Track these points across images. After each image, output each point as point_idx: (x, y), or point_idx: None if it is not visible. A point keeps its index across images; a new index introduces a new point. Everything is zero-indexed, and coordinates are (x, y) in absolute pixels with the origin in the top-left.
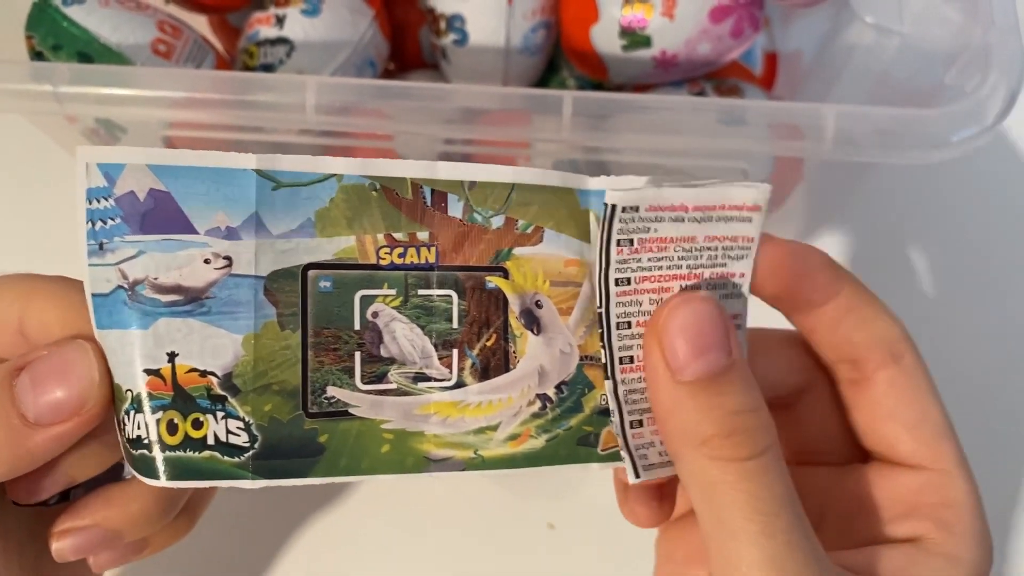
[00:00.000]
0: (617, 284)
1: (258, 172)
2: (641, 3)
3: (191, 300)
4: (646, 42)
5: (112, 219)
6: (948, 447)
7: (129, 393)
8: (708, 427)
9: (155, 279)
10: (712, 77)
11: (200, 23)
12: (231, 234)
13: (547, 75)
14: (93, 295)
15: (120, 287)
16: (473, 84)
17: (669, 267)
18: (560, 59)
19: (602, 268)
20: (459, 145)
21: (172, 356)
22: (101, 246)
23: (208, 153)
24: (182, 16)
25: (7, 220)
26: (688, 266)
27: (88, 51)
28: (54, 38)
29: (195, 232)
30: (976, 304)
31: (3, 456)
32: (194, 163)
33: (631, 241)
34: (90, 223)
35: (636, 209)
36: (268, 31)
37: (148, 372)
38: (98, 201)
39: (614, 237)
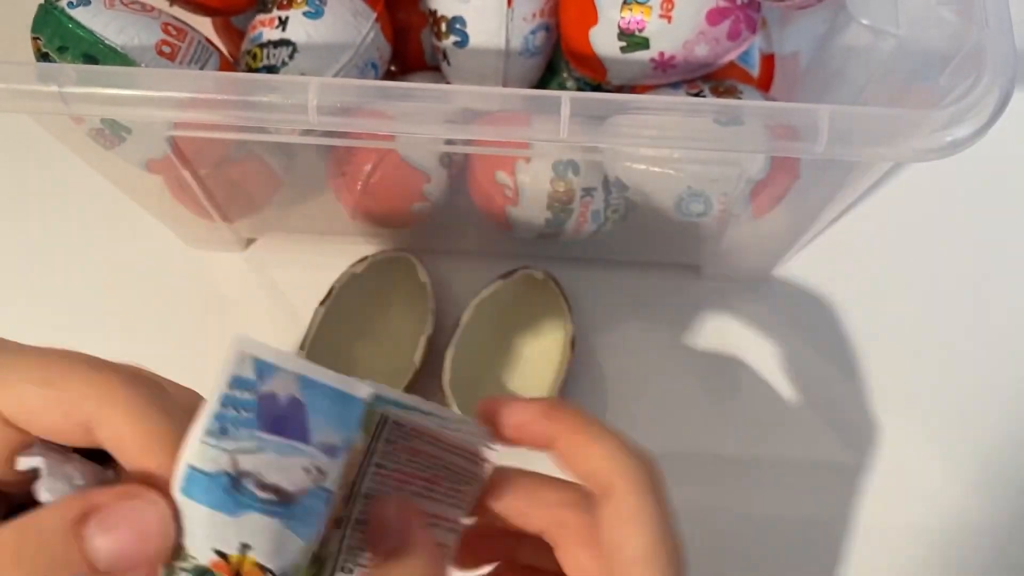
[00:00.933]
0: (376, 467)
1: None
2: (639, 5)
3: (283, 503)
4: (644, 44)
5: (247, 411)
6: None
7: (192, 559)
8: None
9: (262, 476)
10: (710, 78)
11: (204, 25)
12: (330, 451)
13: (547, 77)
14: (192, 467)
15: (226, 473)
16: (473, 86)
17: (416, 468)
18: (560, 61)
19: (367, 455)
20: (460, 145)
21: (245, 547)
22: (224, 430)
23: (339, 377)
24: (186, 18)
25: (10, 220)
26: (431, 473)
27: (93, 52)
28: (60, 40)
29: (308, 443)
30: (965, 300)
31: None
32: (329, 381)
33: (394, 441)
34: (223, 406)
35: (403, 426)
36: (271, 33)
37: (218, 553)
38: (240, 391)
39: (383, 437)
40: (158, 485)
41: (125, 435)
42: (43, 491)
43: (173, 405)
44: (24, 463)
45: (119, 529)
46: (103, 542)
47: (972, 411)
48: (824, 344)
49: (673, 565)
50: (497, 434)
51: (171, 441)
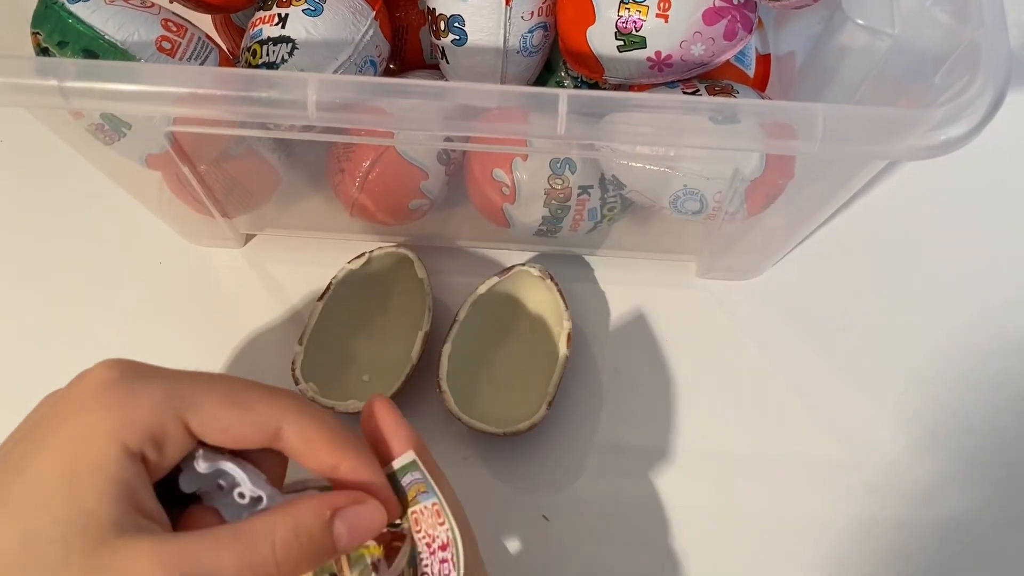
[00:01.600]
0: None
1: None
2: (637, 5)
3: None
4: (641, 43)
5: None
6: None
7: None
8: None
9: None
10: (706, 78)
11: (204, 22)
12: None
13: (544, 75)
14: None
15: None
16: (472, 83)
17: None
18: (557, 59)
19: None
20: (458, 142)
21: None
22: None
23: None
24: (186, 15)
25: (7, 214)
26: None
27: (93, 48)
28: (60, 35)
29: None
30: (959, 298)
31: (309, 567)
32: None
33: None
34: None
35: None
36: (271, 30)
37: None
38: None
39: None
40: (371, 491)
41: (314, 438)
42: (242, 488)
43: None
44: (207, 467)
45: (360, 528)
46: (345, 531)
47: (965, 408)
48: (817, 342)
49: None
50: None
51: (345, 441)
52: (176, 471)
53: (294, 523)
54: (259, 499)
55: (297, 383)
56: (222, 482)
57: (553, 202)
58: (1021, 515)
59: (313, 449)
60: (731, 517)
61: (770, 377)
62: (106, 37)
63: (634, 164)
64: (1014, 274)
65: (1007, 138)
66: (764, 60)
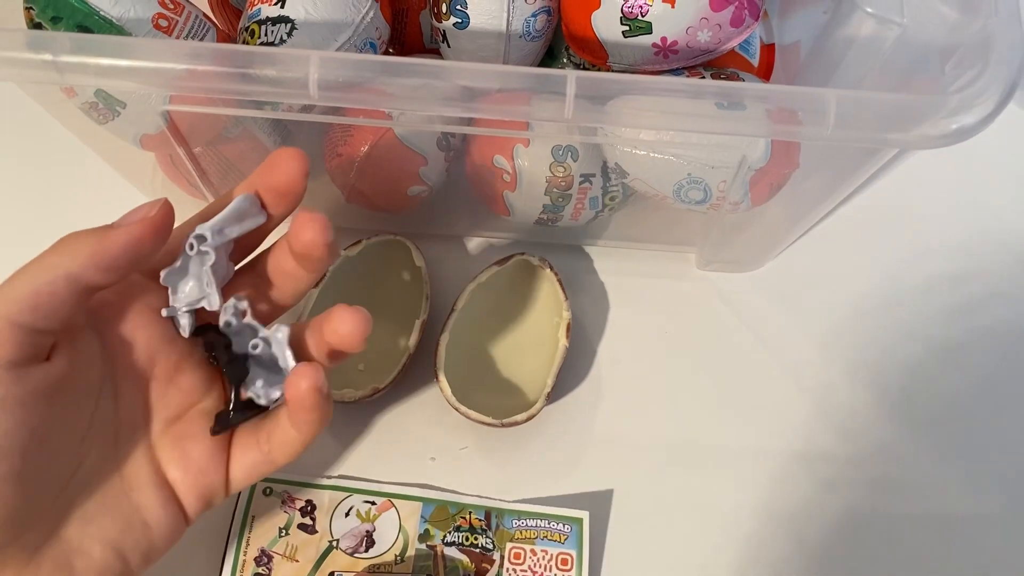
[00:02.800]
0: None
1: None
2: None
3: None
4: (647, 28)
5: None
6: None
7: None
8: None
9: None
10: (710, 66)
11: (201, 2)
12: None
13: (546, 61)
14: None
15: None
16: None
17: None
18: (559, 45)
19: None
20: (462, 124)
21: None
22: None
23: None
24: None
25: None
26: None
27: (88, 24)
28: (53, 10)
29: None
30: (960, 291)
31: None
32: None
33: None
34: None
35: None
36: (269, 10)
37: None
38: None
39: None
40: None
41: None
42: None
43: None
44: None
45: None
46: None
47: (963, 402)
48: (818, 333)
49: None
50: None
51: None
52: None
53: None
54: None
55: None
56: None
57: (554, 190)
58: (1010, 507)
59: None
60: (730, 508)
61: (770, 369)
62: (101, 13)
63: (638, 152)
64: (1019, 269)
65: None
66: (769, 50)
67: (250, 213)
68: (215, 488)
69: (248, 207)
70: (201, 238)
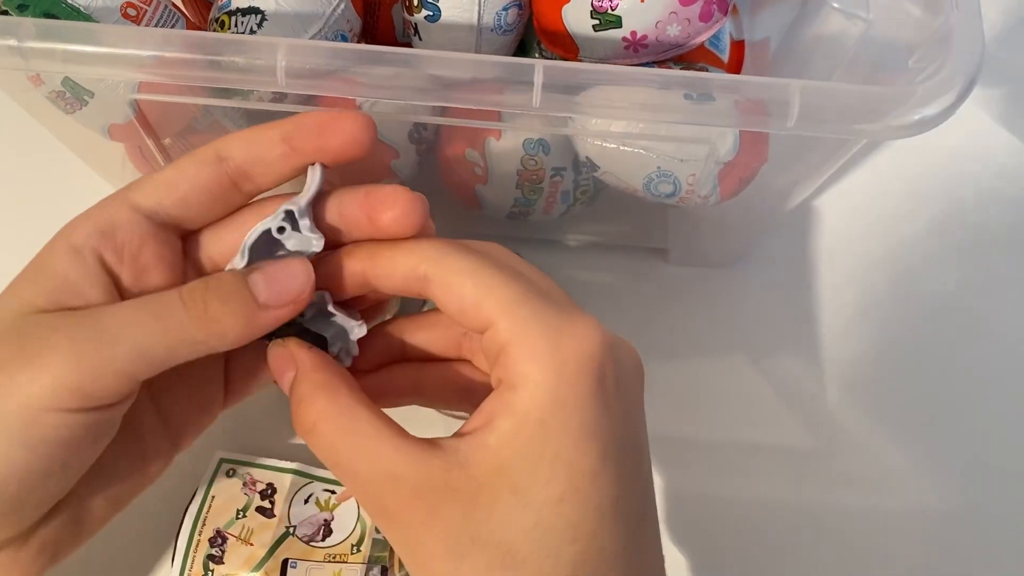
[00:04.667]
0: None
1: None
2: None
3: None
4: (617, 22)
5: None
6: (487, 307)
7: None
8: (294, 419)
9: None
10: (680, 61)
11: None
12: None
13: (518, 55)
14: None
15: None
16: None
17: None
18: (531, 39)
19: None
20: (432, 115)
21: None
22: None
23: None
24: None
25: None
26: None
27: (55, 12)
28: None
29: None
30: (935, 286)
31: (242, 322)
32: None
33: None
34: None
35: None
36: (240, 0)
37: None
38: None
39: None
40: None
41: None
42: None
43: None
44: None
45: (277, 276)
46: (261, 280)
47: (939, 397)
48: (791, 329)
49: (509, 283)
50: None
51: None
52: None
53: (203, 278)
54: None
55: None
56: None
57: (526, 184)
58: (990, 504)
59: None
60: (704, 505)
61: (743, 365)
62: (68, 1)
63: (608, 145)
64: (996, 263)
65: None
66: (738, 46)
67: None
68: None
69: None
70: (291, 218)
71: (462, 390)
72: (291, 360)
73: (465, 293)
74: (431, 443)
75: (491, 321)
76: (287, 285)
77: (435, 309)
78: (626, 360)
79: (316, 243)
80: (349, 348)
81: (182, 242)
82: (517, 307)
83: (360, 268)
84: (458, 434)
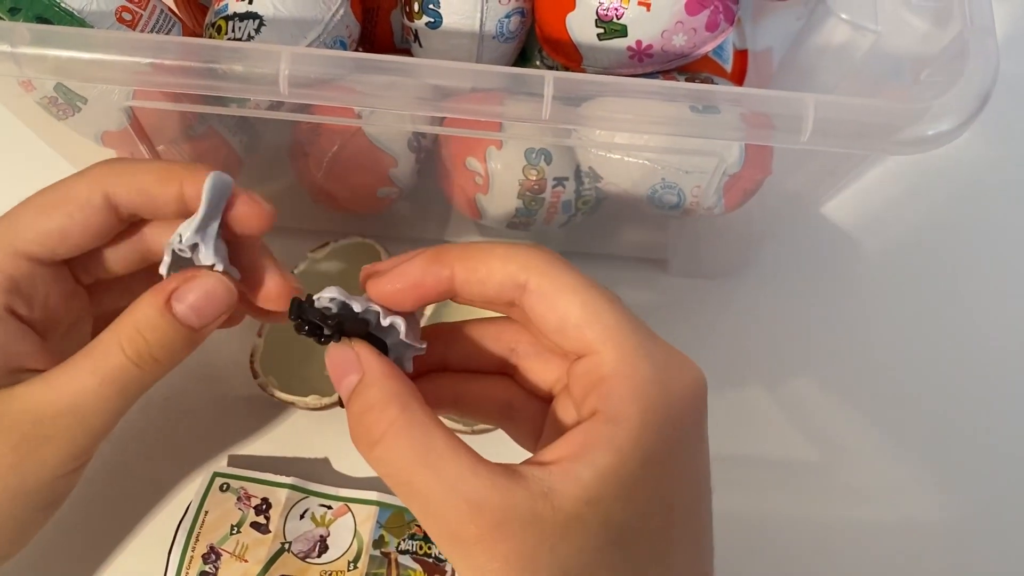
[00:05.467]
0: None
1: None
2: None
3: None
4: (622, 31)
5: None
6: (592, 331)
7: None
8: (355, 429)
9: None
10: (684, 71)
11: None
12: None
13: (519, 62)
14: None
15: None
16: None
17: None
18: (532, 47)
19: None
20: (436, 124)
21: None
22: None
23: None
24: None
25: None
26: None
27: (48, 16)
28: (12, 0)
29: None
30: (936, 298)
31: (182, 354)
32: None
33: None
34: None
35: None
36: (237, 5)
37: None
38: None
39: None
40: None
41: (141, 181)
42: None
43: None
44: (192, 236)
45: (198, 298)
46: (186, 308)
47: (942, 409)
48: (791, 340)
49: (615, 310)
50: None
51: (177, 168)
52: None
53: (133, 320)
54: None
55: (256, 376)
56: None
57: (527, 193)
58: (993, 517)
59: (145, 192)
60: None
61: (742, 377)
62: (62, 4)
63: (612, 156)
64: (997, 278)
65: (990, 140)
66: (741, 56)
67: (226, 190)
68: None
69: (226, 186)
70: (193, 246)
71: (503, 406)
72: (356, 362)
73: (571, 312)
74: (510, 469)
75: (594, 348)
76: (213, 306)
77: (474, 319)
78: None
79: (218, 265)
80: (404, 364)
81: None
82: (624, 338)
83: (448, 273)
84: (536, 462)
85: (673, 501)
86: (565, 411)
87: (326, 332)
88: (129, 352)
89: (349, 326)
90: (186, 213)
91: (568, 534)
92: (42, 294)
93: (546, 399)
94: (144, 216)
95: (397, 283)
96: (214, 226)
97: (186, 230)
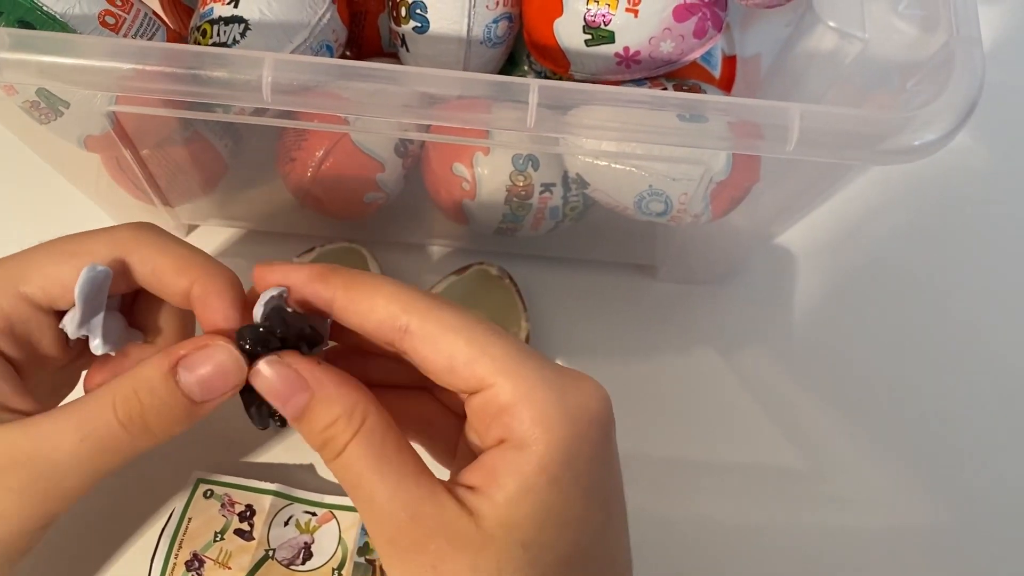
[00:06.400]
0: None
1: None
2: None
3: None
4: (610, 38)
5: None
6: (482, 366)
7: None
8: (315, 444)
9: None
10: (672, 77)
11: None
12: None
13: (507, 68)
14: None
15: None
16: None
17: None
18: (521, 52)
19: None
20: (421, 131)
21: None
22: None
23: None
24: None
25: None
26: None
27: (30, 19)
28: None
29: None
30: (924, 305)
31: (181, 425)
32: None
33: None
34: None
35: None
36: (222, 9)
37: None
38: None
39: None
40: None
41: (158, 262)
42: (99, 347)
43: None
44: (76, 331)
45: (207, 371)
46: (192, 378)
47: (928, 415)
48: (778, 347)
49: (502, 342)
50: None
51: (197, 264)
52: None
53: (133, 380)
54: None
55: None
56: None
57: (514, 199)
58: (978, 523)
59: (158, 275)
60: (688, 525)
61: (730, 383)
62: (44, 8)
63: (599, 163)
64: (987, 280)
65: (978, 148)
66: (730, 62)
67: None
68: None
69: (102, 280)
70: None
71: (422, 422)
72: (302, 382)
73: (457, 351)
74: (445, 484)
75: (488, 381)
76: (220, 381)
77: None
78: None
79: (109, 350)
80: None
81: None
82: (517, 367)
83: (329, 296)
84: (459, 483)
85: (585, 520)
86: (474, 436)
87: (275, 348)
88: (120, 413)
89: (289, 335)
90: (190, 306)
91: (487, 553)
92: (35, 339)
93: (462, 416)
94: (151, 291)
95: (282, 282)
96: (99, 318)
97: (70, 325)
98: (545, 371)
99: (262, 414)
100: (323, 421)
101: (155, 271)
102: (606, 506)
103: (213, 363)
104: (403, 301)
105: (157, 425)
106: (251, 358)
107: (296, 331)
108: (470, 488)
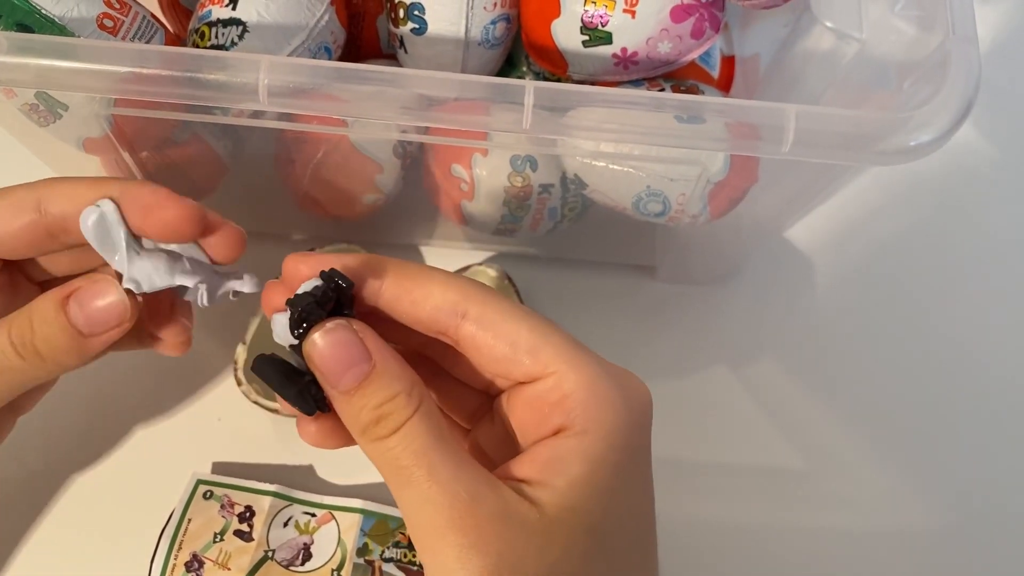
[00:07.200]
0: None
1: None
2: None
3: None
4: (607, 39)
5: None
6: (546, 353)
7: None
8: (366, 419)
9: None
10: (670, 77)
11: (150, 1)
12: None
13: (505, 69)
14: None
15: None
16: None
17: None
18: (519, 53)
19: None
20: (417, 133)
21: None
22: None
23: None
24: None
25: None
26: None
27: (28, 22)
28: None
29: None
30: (923, 306)
31: (67, 356)
32: None
33: None
34: None
35: None
36: (220, 11)
37: None
38: None
39: None
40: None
41: (77, 189)
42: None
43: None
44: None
45: (96, 307)
46: (79, 311)
47: (928, 417)
48: (778, 348)
49: (561, 333)
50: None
51: (115, 184)
52: None
53: (29, 309)
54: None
55: (240, 384)
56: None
57: (513, 200)
58: (977, 524)
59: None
60: (685, 523)
61: (730, 384)
62: (43, 11)
63: (597, 163)
64: (988, 282)
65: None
66: (728, 62)
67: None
68: None
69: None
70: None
71: (452, 406)
72: (365, 352)
73: (520, 338)
74: (492, 474)
75: (551, 368)
76: (104, 316)
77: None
78: None
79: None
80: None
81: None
82: (577, 357)
83: (379, 286)
84: (507, 477)
85: (642, 508)
86: (514, 431)
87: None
88: (15, 337)
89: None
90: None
91: (553, 537)
92: None
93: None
94: (72, 230)
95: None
96: (122, 252)
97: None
98: (602, 363)
99: (307, 398)
100: (382, 396)
101: (71, 196)
102: (651, 496)
103: (102, 301)
104: (460, 288)
105: (48, 353)
106: (299, 330)
107: (348, 300)
108: (522, 481)
